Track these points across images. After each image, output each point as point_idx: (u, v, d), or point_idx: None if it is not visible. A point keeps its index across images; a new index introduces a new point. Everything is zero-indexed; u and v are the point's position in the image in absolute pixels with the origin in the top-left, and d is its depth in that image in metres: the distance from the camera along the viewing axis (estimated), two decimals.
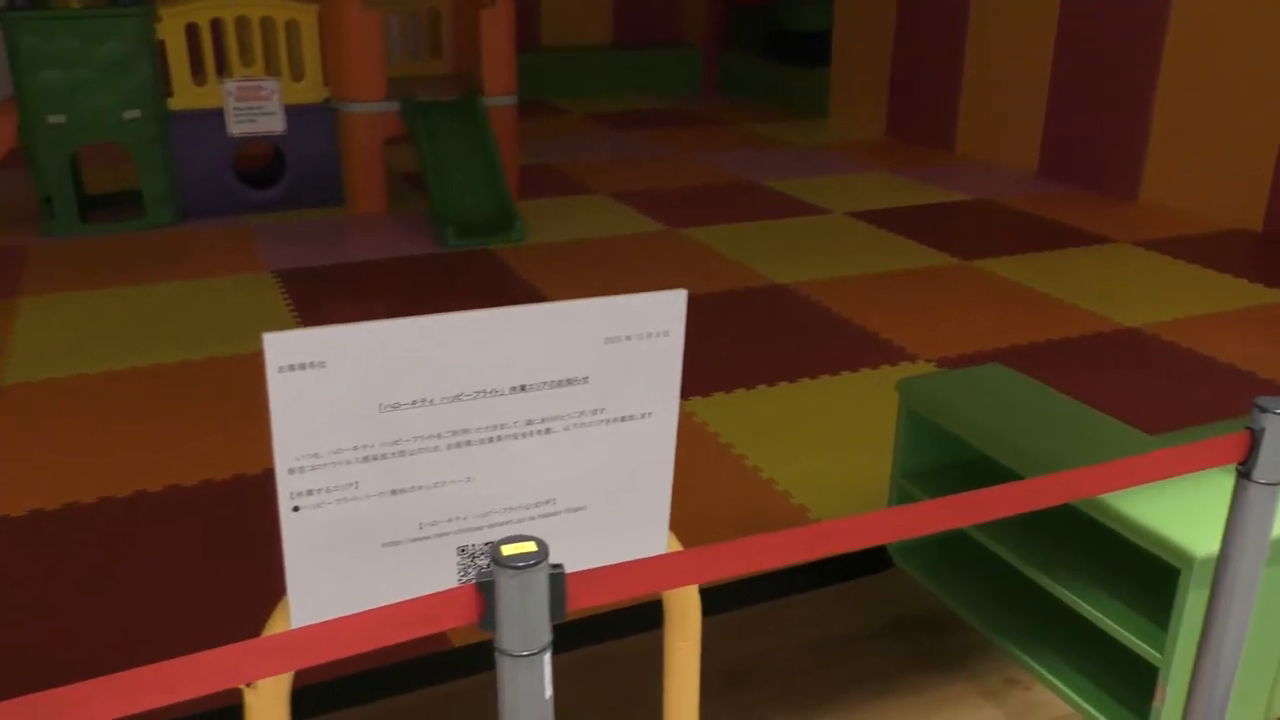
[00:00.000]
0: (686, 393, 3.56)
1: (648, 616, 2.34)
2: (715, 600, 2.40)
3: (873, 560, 2.58)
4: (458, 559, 1.24)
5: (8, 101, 5.33)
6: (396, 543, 1.20)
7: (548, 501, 1.26)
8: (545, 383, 1.20)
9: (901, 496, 2.51)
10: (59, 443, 3.22)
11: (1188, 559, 1.78)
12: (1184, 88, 5.88)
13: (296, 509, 1.13)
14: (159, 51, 5.34)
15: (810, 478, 3.02)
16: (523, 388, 1.19)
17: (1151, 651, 1.90)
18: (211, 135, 5.56)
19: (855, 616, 2.38)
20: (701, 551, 1.14)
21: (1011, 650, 2.23)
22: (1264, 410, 1.40)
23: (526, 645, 1.00)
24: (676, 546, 1.43)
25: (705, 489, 2.96)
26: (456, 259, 5.06)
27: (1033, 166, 6.90)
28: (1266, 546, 1.48)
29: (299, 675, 2.06)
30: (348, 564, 1.18)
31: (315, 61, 5.68)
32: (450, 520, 1.22)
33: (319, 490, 1.14)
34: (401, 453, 1.16)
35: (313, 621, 1.08)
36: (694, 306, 4.36)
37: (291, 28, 5.65)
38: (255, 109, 5.59)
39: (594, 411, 1.24)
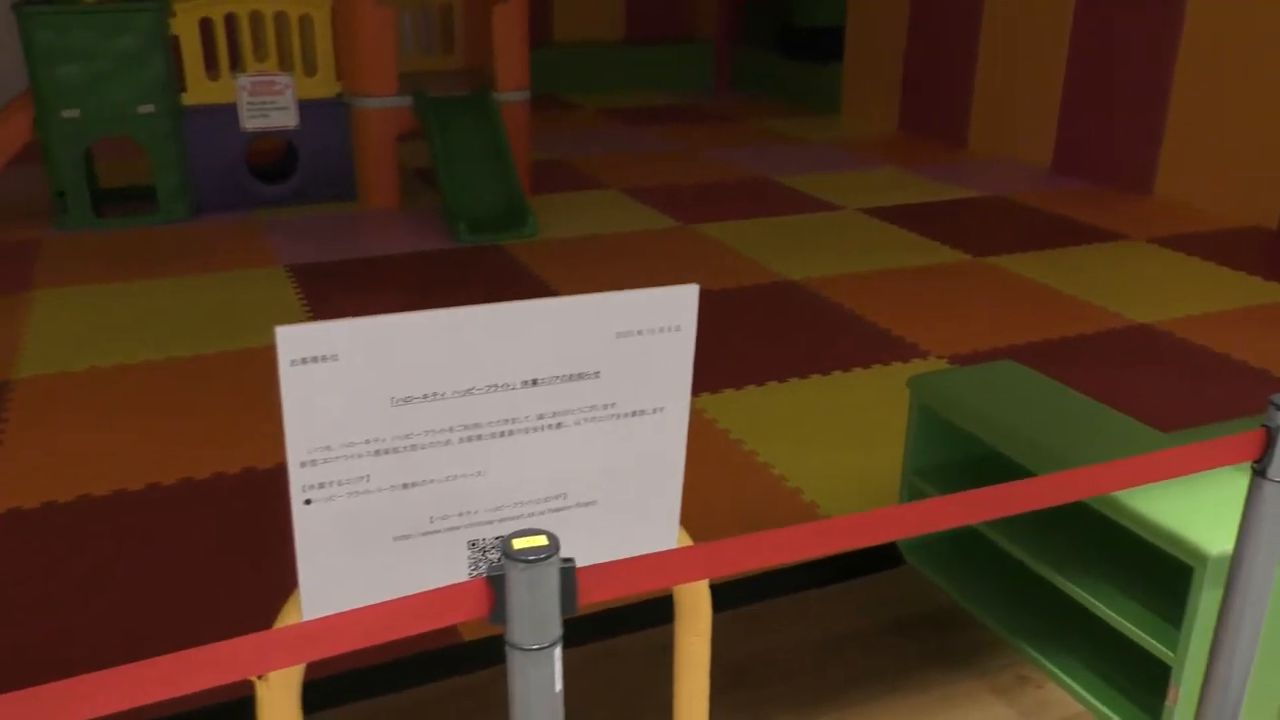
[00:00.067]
0: (697, 389, 3.56)
1: (658, 612, 2.34)
2: (724, 597, 2.40)
3: (883, 557, 2.57)
4: (468, 553, 1.24)
5: (23, 96, 5.36)
6: (407, 536, 1.20)
7: (558, 496, 1.26)
8: (557, 377, 1.20)
9: (913, 493, 2.50)
10: (72, 435, 3.23)
11: (1201, 557, 1.77)
12: (1199, 84, 5.84)
13: (308, 502, 1.13)
14: (173, 46, 5.36)
15: (821, 474, 3.02)
16: (534, 382, 1.19)
17: (1164, 650, 1.89)
18: (225, 130, 5.57)
19: (866, 613, 2.37)
20: (712, 546, 1.13)
21: (1023, 648, 2.23)
22: (1279, 408, 1.39)
23: (537, 639, 1.00)
24: (687, 542, 1.43)
25: (715, 485, 2.95)
26: (468, 254, 5.06)
27: (1046, 162, 6.87)
28: None
29: (310, 668, 2.07)
30: (359, 557, 1.19)
31: (328, 56, 5.69)
32: (461, 514, 1.22)
33: (330, 483, 1.14)
34: (413, 446, 1.16)
35: (324, 614, 1.09)
36: (705, 302, 4.36)
37: (305, 22, 5.66)
38: (268, 104, 5.60)
39: (605, 406, 1.24)
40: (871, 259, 5.01)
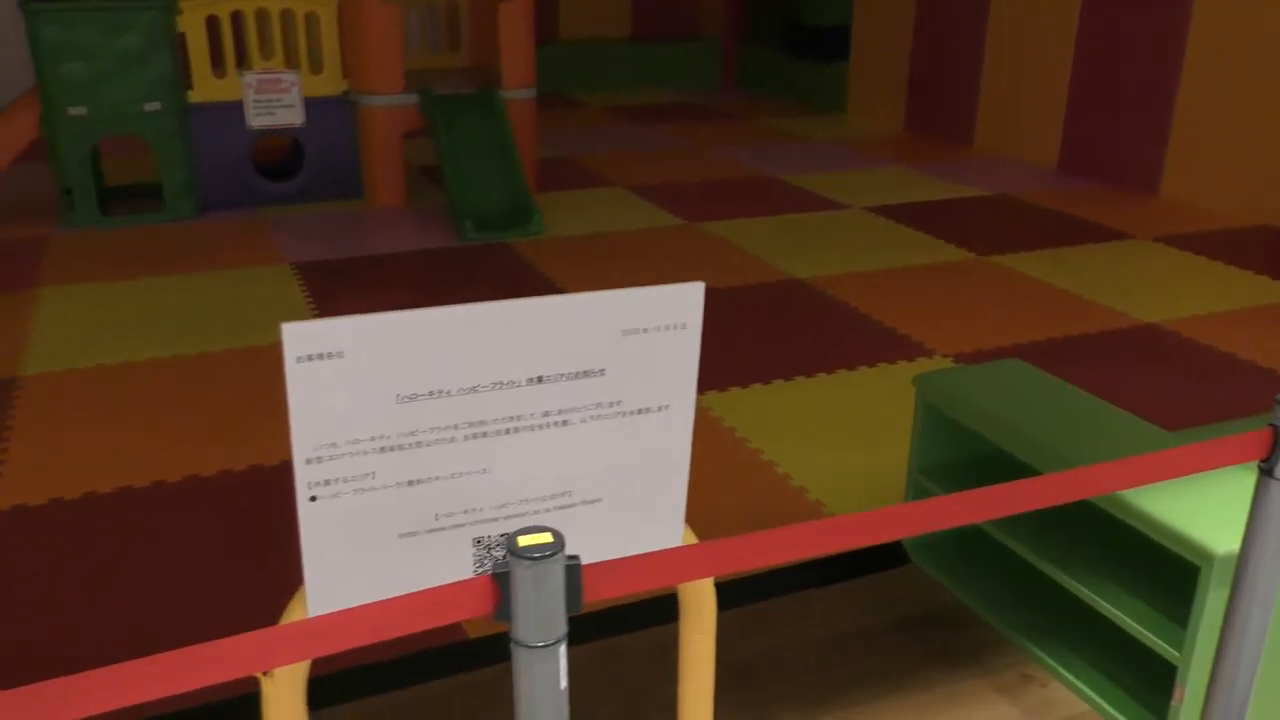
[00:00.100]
0: (702, 387, 3.55)
1: (663, 610, 2.35)
2: (728, 595, 2.40)
3: (888, 556, 2.57)
4: (474, 550, 1.24)
5: (30, 93, 5.37)
6: (413, 533, 1.20)
7: (564, 493, 1.26)
8: (562, 374, 1.20)
9: (918, 492, 2.50)
10: (78, 433, 3.24)
11: (1208, 557, 1.77)
12: (1206, 83, 5.83)
13: (314, 499, 1.14)
14: (179, 43, 5.37)
15: (826, 473, 3.01)
16: (540, 379, 1.19)
17: (1170, 650, 1.88)
18: (231, 128, 5.58)
19: (870, 612, 2.37)
20: (717, 544, 1.13)
21: (1027, 647, 2.22)
22: None
23: (542, 636, 1.00)
24: (692, 540, 1.43)
25: (720, 483, 2.95)
26: (474, 252, 5.06)
27: (1052, 162, 6.86)
28: None
29: (315, 665, 2.07)
30: (364, 554, 1.19)
31: (334, 54, 5.70)
32: (466, 511, 1.22)
33: (336, 480, 1.14)
34: (418, 443, 1.16)
35: (329, 611, 1.09)
36: (711, 301, 4.36)
37: (311, 20, 5.66)
38: (274, 101, 5.61)
39: (611, 404, 1.24)
40: (877, 258, 5.00)
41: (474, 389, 1.16)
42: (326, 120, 5.77)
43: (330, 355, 1.09)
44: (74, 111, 5.21)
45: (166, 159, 5.44)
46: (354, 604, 1.17)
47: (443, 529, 1.21)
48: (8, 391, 3.52)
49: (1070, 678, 2.13)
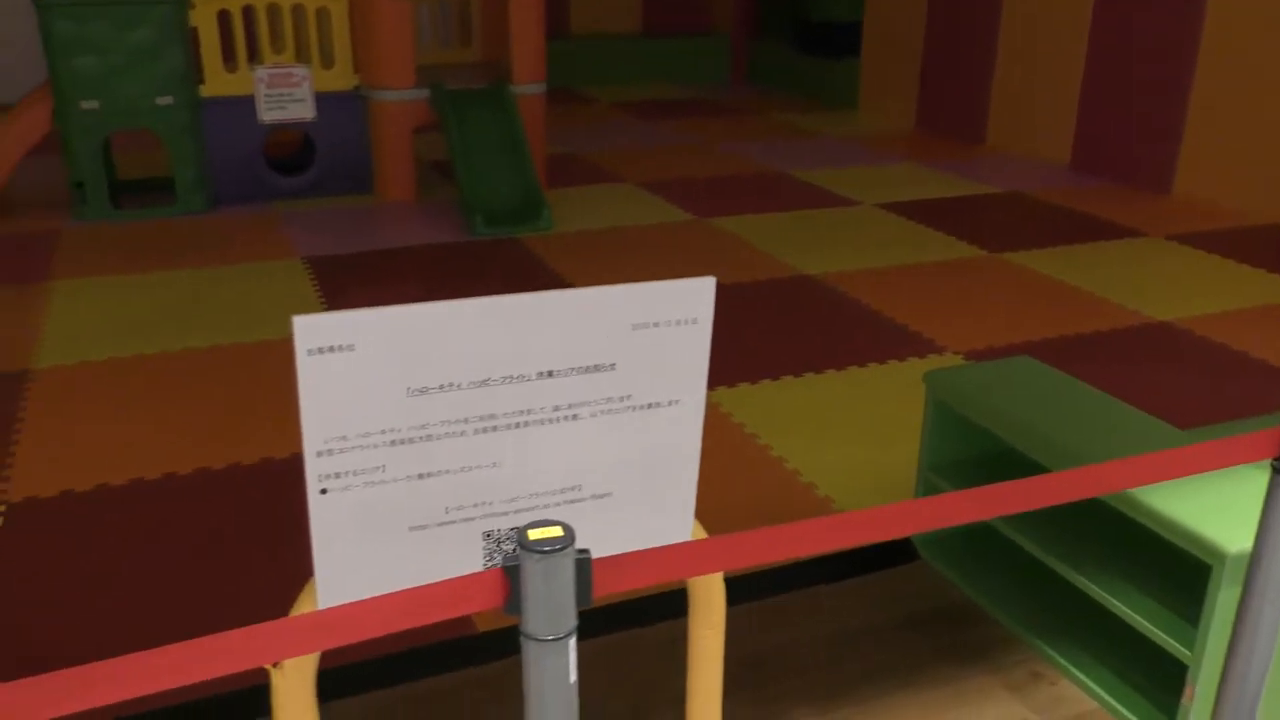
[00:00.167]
0: (712, 383, 3.55)
1: (672, 605, 2.35)
2: (738, 590, 2.40)
3: (897, 552, 2.57)
4: (483, 544, 1.25)
5: (42, 87, 5.39)
6: (423, 526, 1.20)
7: (574, 488, 1.26)
8: (573, 369, 1.20)
9: (928, 489, 2.49)
10: (89, 425, 3.25)
11: (1219, 555, 1.76)
12: (1220, 80, 5.80)
13: (324, 491, 1.14)
14: (191, 38, 5.38)
15: (836, 469, 3.01)
16: (550, 373, 1.19)
17: (1181, 649, 1.88)
18: (242, 122, 5.59)
19: (879, 608, 2.37)
20: (727, 539, 1.13)
21: (1037, 644, 2.22)
22: None
23: (552, 630, 1.00)
24: (701, 535, 1.43)
25: (730, 479, 2.95)
26: (484, 247, 5.07)
27: (1065, 159, 6.83)
28: None
29: (325, 657, 2.08)
30: (374, 547, 1.19)
31: (345, 49, 5.70)
32: (476, 505, 1.22)
33: (346, 473, 1.14)
34: (429, 437, 1.16)
35: (339, 603, 1.09)
36: (721, 296, 4.35)
37: (322, 15, 5.67)
38: (286, 96, 5.61)
39: (621, 398, 1.24)
40: (888, 254, 4.99)
41: (485, 383, 1.16)
42: (337, 115, 5.78)
43: (341, 348, 1.09)
44: (86, 105, 5.22)
45: (178, 153, 5.46)
46: (364, 596, 1.17)
47: (453, 522, 1.22)
48: (20, 384, 3.54)
49: (1080, 675, 2.13)
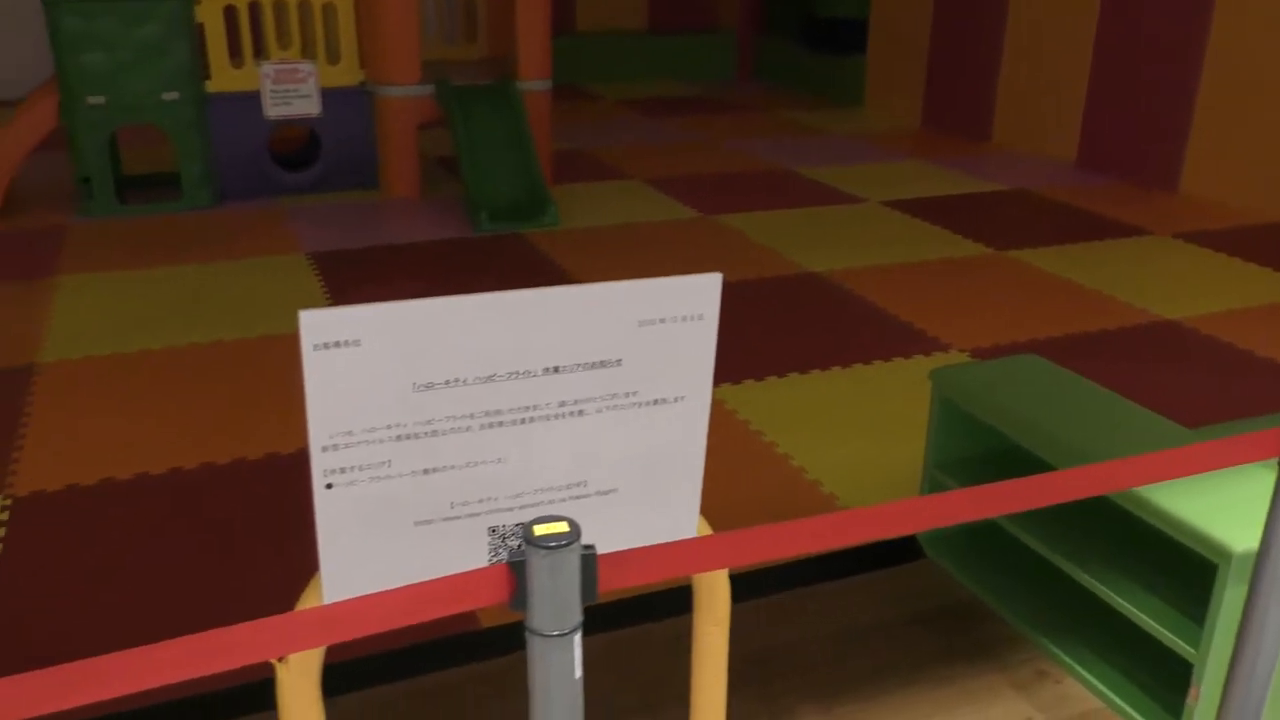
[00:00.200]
0: (717, 380, 3.55)
1: (678, 601, 2.35)
2: (743, 587, 2.40)
3: (903, 550, 2.56)
4: (488, 539, 1.24)
5: (49, 82, 5.39)
6: (428, 521, 1.20)
7: (579, 484, 1.26)
8: (578, 364, 1.20)
9: (934, 486, 2.49)
10: (95, 420, 3.26)
11: (1226, 554, 1.76)
12: (1228, 78, 5.78)
13: (330, 486, 1.14)
14: (197, 34, 5.38)
15: (841, 466, 3.01)
16: (556, 369, 1.19)
17: (1186, 648, 1.87)
18: (248, 118, 5.59)
19: (884, 606, 2.37)
20: (732, 536, 1.13)
21: (1042, 643, 2.21)
22: None
23: (558, 625, 1.00)
24: (707, 531, 1.42)
25: (735, 476, 2.95)
26: (489, 243, 5.07)
27: (1071, 157, 6.82)
28: None
29: (330, 652, 2.08)
30: (380, 542, 1.19)
31: (351, 44, 5.70)
32: (481, 500, 1.22)
33: (352, 468, 1.14)
34: (434, 432, 1.16)
35: (345, 598, 1.09)
36: (726, 293, 4.35)
37: (328, 10, 5.67)
38: (291, 92, 5.62)
39: (627, 394, 1.24)
40: (893, 252, 4.98)
41: (490, 378, 1.16)
42: (343, 111, 5.78)
43: (347, 343, 1.09)
44: (92, 101, 5.23)
45: (184, 148, 5.46)
46: (369, 591, 1.17)
47: (458, 518, 1.21)
48: (26, 378, 3.54)
49: (1085, 674, 2.12)
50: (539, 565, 0.98)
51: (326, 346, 1.08)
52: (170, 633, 2.25)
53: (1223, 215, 5.65)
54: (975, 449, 2.51)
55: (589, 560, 1.01)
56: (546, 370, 1.19)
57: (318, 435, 1.11)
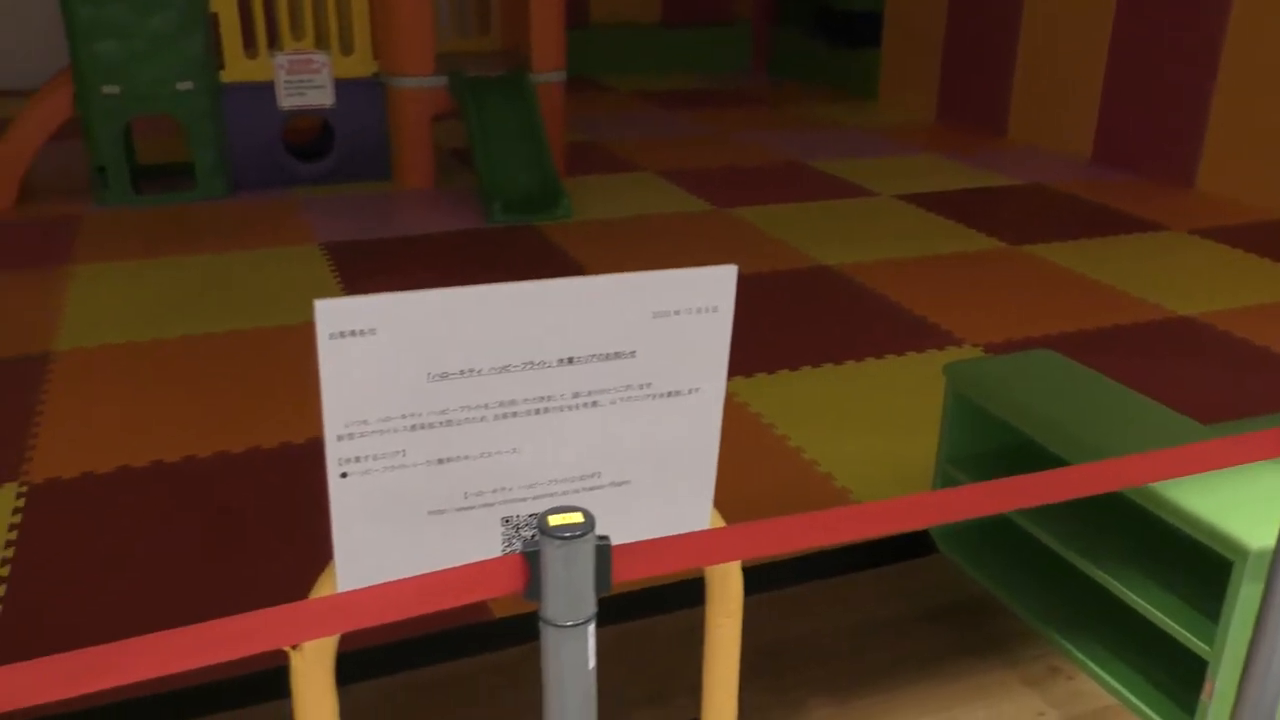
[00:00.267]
0: (730, 373, 3.55)
1: (688, 593, 2.35)
2: (756, 580, 2.40)
3: (915, 545, 2.56)
4: (502, 529, 1.25)
5: (64, 72, 5.41)
6: (442, 511, 1.20)
7: (593, 474, 1.26)
8: (593, 355, 1.20)
9: (947, 481, 2.48)
10: (110, 408, 3.27)
11: (1241, 551, 1.75)
12: (1245, 73, 5.74)
13: (344, 475, 1.14)
14: (212, 24, 5.39)
15: (854, 460, 3.00)
16: (570, 360, 1.19)
17: (1201, 645, 1.87)
18: (262, 108, 5.60)
19: (897, 601, 2.36)
20: (745, 528, 1.13)
21: (1055, 639, 2.21)
22: None
23: (571, 615, 1.00)
24: (719, 523, 1.42)
25: (747, 469, 2.95)
26: (503, 234, 5.07)
27: (1087, 152, 6.78)
28: None
29: (343, 641, 2.08)
30: (394, 531, 1.19)
31: (365, 35, 5.71)
32: (496, 490, 1.22)
33: (367, 457, 1.14)
34: (449, 422, 1.16)
35: (359, 586, 1.09)
36: (739, 286, 4.34)
37: (342, 1, 5.67)
38: (305, 82, 5.62)
39: (641, 385, 1.23)
40: (907, 246, 4.97)
41: (505, 368, 1.16)
42: (357, 102, 5.78)
43: (363, 332, 1.09)
44: (107, 90, 5.24)
45: (198, 138, 5.48)
46: (383, 580, 1.17)
47: (472, 508, 1.22)
48: (41, 366, 3.56)
49: (1098, 671, 2.12)
50: (553, 555, 0.98)
51: (342, 335, 1.09)
52: (184, 620, 2.26)
53: (1239, 211, 5.62)
54: (988, 444, 2.50)
55: (603, 551, 1.01)
56: (561, 361, 1.18)
57: (333, 424, 1.11)
